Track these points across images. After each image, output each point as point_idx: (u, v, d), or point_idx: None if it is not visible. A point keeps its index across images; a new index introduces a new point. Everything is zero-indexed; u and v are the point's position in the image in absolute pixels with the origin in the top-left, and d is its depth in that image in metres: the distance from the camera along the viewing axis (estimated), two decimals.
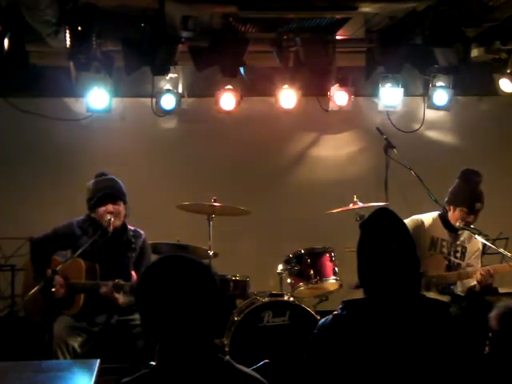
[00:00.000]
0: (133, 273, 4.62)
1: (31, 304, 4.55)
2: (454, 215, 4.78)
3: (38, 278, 4.47)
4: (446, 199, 4.84)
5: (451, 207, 4.78)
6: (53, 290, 4.28)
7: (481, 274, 4.63)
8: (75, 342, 4.36)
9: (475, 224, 4.78)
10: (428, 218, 4.89)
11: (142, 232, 4.77)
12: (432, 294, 4.64)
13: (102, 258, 4.55)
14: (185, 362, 2.06)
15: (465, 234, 4.87)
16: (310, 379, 2.43)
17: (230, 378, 2.08)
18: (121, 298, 4.43)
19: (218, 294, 2.10)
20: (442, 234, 4.83)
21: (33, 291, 4.17)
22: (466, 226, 4.72)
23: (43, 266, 4.54)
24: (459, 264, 4.84)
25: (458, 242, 4.86)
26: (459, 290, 4.84)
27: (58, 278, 4.35)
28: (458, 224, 4.71)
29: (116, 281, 4.39)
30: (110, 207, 4.53)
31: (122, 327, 4.53)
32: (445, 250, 4.81)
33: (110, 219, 4.49)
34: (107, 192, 4.56)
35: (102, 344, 4.52)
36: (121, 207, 4.60)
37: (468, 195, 4.72)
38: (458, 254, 4.85)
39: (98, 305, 4.49)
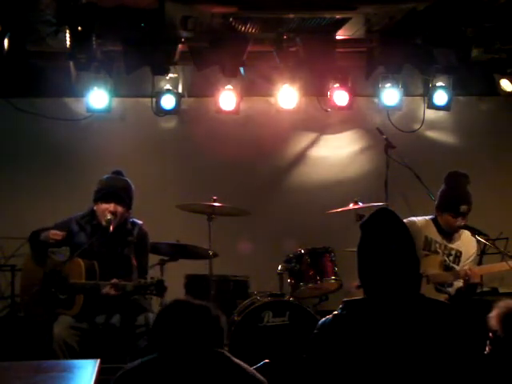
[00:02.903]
0: (133, 261, 4.62)
1: (31, 301, 4.56)
2: (442, 220, 4.78)
3: (39, 264, 4.51)
4: (435, 203, 4.84)
5: (439, 212, 4.78)
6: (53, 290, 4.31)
7: (466, 272, 4.63)
8: (75, 342, 4.36)
9: (475, 224, 4.77)
10: (421, 219, 4.89)
11: (139, 222, 4.77)
12: (432, 291, 4.64)
13: (101, 255, 4.55)
14: (185, 357, 2.21)
15: (459, 238, 4.86)
16: (310, 379, 2.43)
17: (227, 372, 2.15)
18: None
19: (221, 338, 2.39)
20: (436, 236, 4.83)
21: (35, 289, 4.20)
22: (466, 225, 4.70)
23: (43, 253, 4.56)
24: (454, 268, 4.82)
25: (452, 246, 4.84)
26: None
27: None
28: (458, 223, 4.70)
29: (115, 281, 4.39)
30: (112, 206, 4.54)
31: (124, 327, 4.52)
32: (439, 251, 4.81)
33: (110, 219, 4.49)
34: (115, 191, 4.56)
35: (102, 344, 4.52)
36: (123, 210, 4.60)
37: (452, 199, 4.71)
38: (452, 258, 4.83)
39: (98, 304, 4.49)
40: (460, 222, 4.70)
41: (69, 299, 4.47)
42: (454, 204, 4.68)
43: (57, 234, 4.49)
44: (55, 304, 4.38)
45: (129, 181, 4.70)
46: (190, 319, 2.32)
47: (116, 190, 4.57)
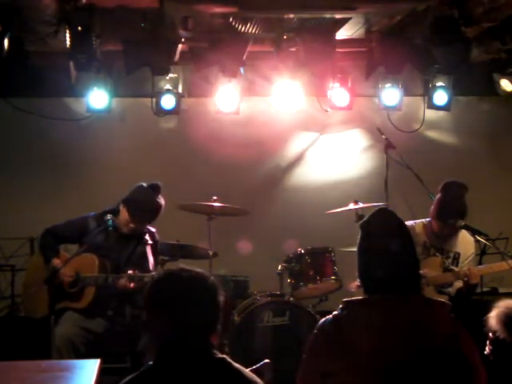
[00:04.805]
0: (151, 259, 4.67)
1: (32, 299, 4.56)
2: (433, 224, 4.79)
3: (45, 266, 4.52)
4: (431, 207, 4.85)
5: (432, 216, 4.80)
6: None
7: (465, 273, 4.64)
8: (81, 344, 4.34)
9: (475, 224, 4.77)
10: (419, 223, 4.89)
11: (153, 229, 4.84)
12: (433, 293, 4.64)
13: (119, 251, 4.59)
14: (182, 360, 2.14)
15: (457, 239, 4.85)
16: (310, 379, 2.43)
17: (228, 379, 2.11)
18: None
19: (217, 306, 2.40)
20: (432, 240, 4.83)
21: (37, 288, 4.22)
22: (466, 225, 4.70)
23: (50, 253, 4.58)
24: (453, 270, 4.81)
25: (450, 248, 4.84)
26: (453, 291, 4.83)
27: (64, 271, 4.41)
28: (458, 223, 4.70)
29: (130, 272, 4.41)
30: (135, 225, 4.58)
31: (128, 325, 4.53)
32: (438, 254, 4.81)
33: (110, 219, 4.48)
34: (146, 217, 4.63)
35: (105, 344, 4.52)
36: (142, 228, 4.68)
37: (442, 210, 4.71)
38: (450, 260, 4.83)
39: (106, 300, 4.49)
40: (447, 231, 4.73)
41: (77, 292, 4.47)
42: (442, 215, 4.71)
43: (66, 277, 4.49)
44: (61, 297, 4.40)
45: (162, 202, 4.71)
46: (181, 298, 2.26)
47: (147, 217, 4.63)
